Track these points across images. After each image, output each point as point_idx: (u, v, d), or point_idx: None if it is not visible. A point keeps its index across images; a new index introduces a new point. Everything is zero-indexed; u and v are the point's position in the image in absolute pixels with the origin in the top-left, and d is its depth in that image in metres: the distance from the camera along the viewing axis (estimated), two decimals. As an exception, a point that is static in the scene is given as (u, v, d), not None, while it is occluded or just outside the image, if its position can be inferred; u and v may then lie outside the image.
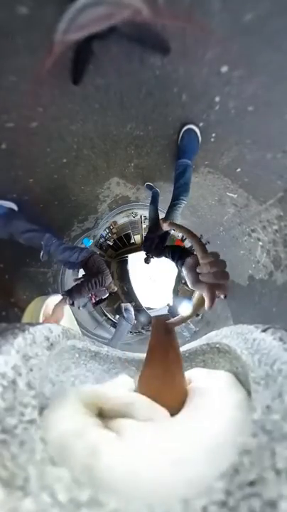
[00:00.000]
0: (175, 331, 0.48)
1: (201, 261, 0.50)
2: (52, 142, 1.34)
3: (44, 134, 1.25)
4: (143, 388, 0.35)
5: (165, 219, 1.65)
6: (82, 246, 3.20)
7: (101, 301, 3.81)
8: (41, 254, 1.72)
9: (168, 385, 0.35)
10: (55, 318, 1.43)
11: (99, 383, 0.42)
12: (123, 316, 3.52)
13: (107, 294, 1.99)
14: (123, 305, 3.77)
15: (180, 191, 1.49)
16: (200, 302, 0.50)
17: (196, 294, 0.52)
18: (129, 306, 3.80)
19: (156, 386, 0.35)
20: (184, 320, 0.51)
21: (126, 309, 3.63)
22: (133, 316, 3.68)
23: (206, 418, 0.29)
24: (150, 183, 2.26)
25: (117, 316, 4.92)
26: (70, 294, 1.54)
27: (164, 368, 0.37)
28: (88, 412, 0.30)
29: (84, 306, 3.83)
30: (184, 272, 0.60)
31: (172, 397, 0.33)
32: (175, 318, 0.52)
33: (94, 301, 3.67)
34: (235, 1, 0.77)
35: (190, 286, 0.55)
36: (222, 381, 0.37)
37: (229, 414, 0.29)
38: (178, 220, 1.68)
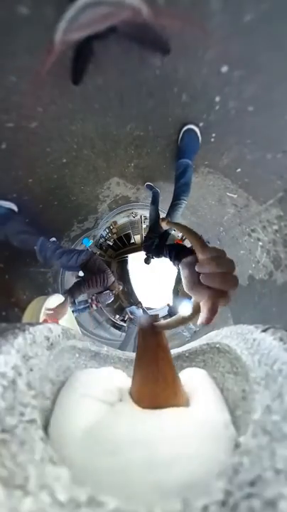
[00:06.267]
0: (165, 332, 0.43)
1: (201, 257, 0.39)
2: (52, 142, 1.34)
3: (44, 134, 1.25)
4: (137, 393, 0.34)
5: (165, 218, 1.65)
6: (81, 247, 3.19)
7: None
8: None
9: (162, 387, 0.33)
10: (56, 316, 1.43)
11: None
12: (131, 320, 3.54)
13: (112, 298, 1.91)
14: (127, 310, 3.79)
15: (180, 191, 1.49)
16: (196, 310, 0.40)
17: (193, 300, 0.41)
18: (134, 308, 3.82)
19: (150, 389, 0.34)
20: (172, 325, 0.43)
21: (132, 312, 3.65)
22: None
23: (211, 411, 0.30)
24: (150, 183, 2.26)
25: (120, 317, 4.95)
26: (70, 292, 1.53)
27: (154, 369, 0.36)
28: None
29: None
30: (181, 274, 0.47)
31: (167, 398, 0.32)
32: (164, 321, 0.45)
33: (95, 307, 3.63)
34: (235, 1, 0.77)
35: (186, 290, 0.42)
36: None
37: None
38: (179, 219, 1.67)
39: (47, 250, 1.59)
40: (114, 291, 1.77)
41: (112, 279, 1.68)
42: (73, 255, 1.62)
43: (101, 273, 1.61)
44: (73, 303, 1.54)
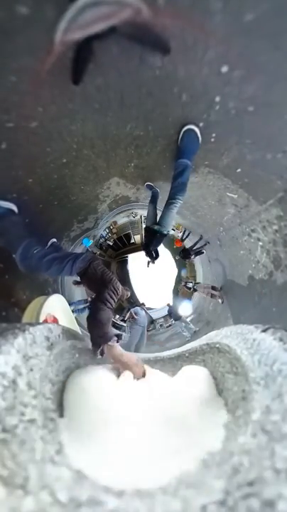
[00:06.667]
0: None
1: None
2: (52, 142, 1.34)
3: (44, 134, 1.25)
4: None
5: (160, 218, 1.67)
6: (81, 248, 3.16)
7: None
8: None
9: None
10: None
11: None
12: (135, 320, 3.56)
13: None
14: (132, 310, 3.81)
15: (176, 190, 1.49)
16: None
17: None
18: (138, 309, 3.83)
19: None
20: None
21: (136, 313, 3.67)
22: (145, 318, 3.71)
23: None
24: (150, 183, 2.26)
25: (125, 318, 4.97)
26: (101, 337, 0.83)
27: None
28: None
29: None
30: None
31: None
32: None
33: None
34: (235, 1, 0.77)
35: None
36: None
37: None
38: (174, 218, 1.71)
39: (31, 258, 1.29)
40: (123, 298, 1.44)
41: (120, 286, 1.31)
42: (66, 263, 1.28)
43: (109, 284, 1.21)
44: (119, 339, 0.92)
